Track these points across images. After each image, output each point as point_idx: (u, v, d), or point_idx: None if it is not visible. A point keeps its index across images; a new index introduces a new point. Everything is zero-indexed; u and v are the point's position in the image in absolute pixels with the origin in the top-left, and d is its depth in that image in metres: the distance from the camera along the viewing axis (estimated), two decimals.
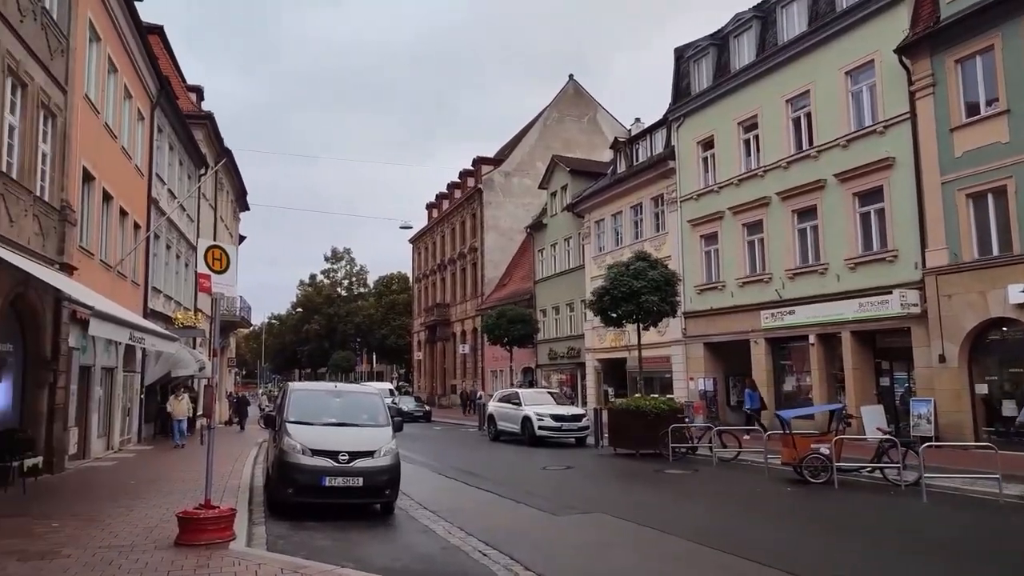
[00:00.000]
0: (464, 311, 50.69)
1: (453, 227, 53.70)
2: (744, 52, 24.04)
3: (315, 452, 9.54)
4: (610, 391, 32.22)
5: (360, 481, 9.51)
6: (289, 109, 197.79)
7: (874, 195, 19.32)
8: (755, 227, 23.27)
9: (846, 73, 20.09)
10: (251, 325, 41.67)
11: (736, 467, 15.32)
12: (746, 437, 17.09)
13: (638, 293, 18.16)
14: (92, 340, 15.47)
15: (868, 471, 12.71)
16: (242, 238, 45.99)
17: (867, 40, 19.35)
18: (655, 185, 28.53)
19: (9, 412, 12.94)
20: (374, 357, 75.48)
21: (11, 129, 12.18)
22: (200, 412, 25.53)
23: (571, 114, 49.90)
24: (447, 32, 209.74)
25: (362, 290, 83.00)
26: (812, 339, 20.80)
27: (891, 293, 18.12)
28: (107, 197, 17.71)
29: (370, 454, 9.76)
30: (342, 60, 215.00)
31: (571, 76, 50.39)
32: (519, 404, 22.11)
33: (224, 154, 35.02)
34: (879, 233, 19.17)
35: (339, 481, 9.42)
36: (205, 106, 33.76)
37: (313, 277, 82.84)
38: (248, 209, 46.08)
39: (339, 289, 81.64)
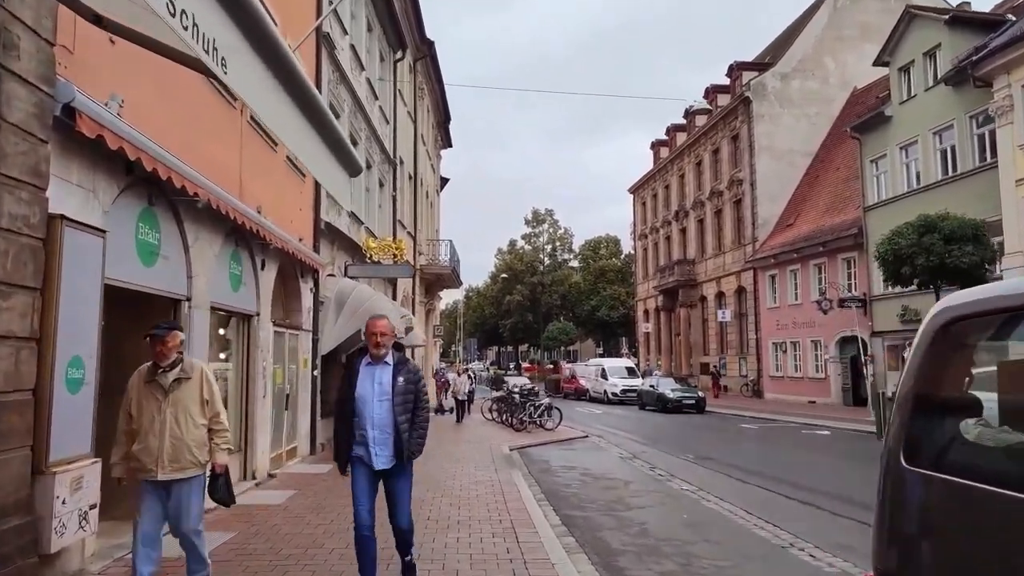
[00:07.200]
0: (720, 266, 38.62)
1: (699, 159, 41.55)
2: None
3: None
4: None
5: None
6: (461, 106, 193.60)
7: None
8: None
9: None
10: (460, 283, 32.60)
11: None
12: None
13: None
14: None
15: None
16: (444, 180, 37.29)
17: None
18: None
19: None
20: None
21: None
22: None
23: None
24: (608, 24, 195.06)
25: (566, 256, 73.24)
26: None
27: None
28: None
29: None
30: (507, 57, 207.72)
31: None
32: None
33: (425, 46, 25.88)
34: None
35: None
36: None
37: (513, 243, 74.15)
38: (451, 145, 37.34)
39: (542, 255, 72.34)
